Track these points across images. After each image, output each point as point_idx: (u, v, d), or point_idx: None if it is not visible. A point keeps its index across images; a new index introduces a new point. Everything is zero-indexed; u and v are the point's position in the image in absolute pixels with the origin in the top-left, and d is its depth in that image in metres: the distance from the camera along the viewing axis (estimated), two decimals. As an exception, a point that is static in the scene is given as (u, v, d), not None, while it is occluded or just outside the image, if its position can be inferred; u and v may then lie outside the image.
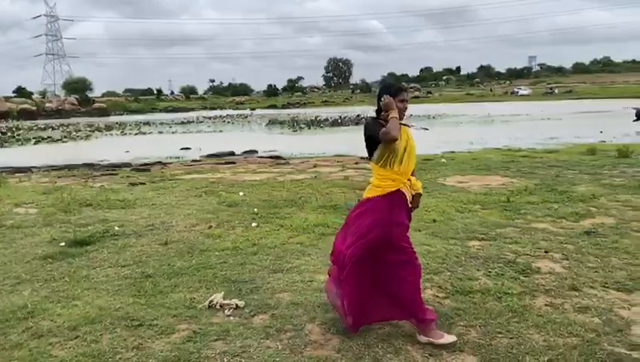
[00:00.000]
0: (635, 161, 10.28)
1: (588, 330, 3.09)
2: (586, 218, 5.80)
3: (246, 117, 46.49)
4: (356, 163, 12.15)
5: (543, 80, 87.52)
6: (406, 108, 3.08)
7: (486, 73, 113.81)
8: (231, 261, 4.59)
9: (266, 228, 5.74)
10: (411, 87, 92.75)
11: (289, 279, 4.09)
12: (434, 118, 34.60)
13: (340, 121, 33.75)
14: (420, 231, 5.51)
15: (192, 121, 42.27)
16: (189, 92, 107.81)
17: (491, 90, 77.02)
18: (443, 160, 12.11)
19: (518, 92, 68.34)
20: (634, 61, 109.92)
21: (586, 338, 2.97)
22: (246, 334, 3.16)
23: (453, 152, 14.65)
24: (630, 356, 2.78)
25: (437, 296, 3.71)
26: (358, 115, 37.47)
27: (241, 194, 7.93)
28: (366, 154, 3.17)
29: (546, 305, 3.49)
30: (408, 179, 3.08)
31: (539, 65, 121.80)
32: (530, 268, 4.20)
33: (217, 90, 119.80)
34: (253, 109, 64.64)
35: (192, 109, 70.66)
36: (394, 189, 3.00)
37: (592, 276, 3.98)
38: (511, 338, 3.03)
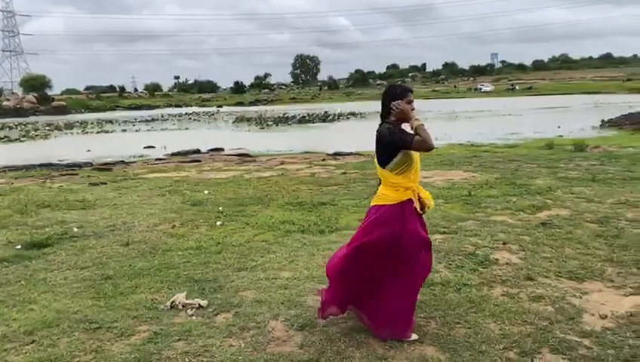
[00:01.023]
0: (589, 155, 10.70)
1: (541, 318, 3.21)
2: (543, 210, 6.00)
3: (212, 114, 45.87)
4: (323, 160, 12.20)
5: (505, 77, 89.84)
6: (413, 108, 2.98)
7: (451, 70, 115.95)
8: (194, 260, 4.54)
9: (231, 227, 5.70)
10: (378, 84, 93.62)
11: (253, 277, 4.09)
12: (400, 114, 35.00)
13: (307, 118, 33.73)
14: (384, 226, 5.58)
15: (157, 119, 41.41)
16: (153, 89, 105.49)
17: (455, 87, 78.61)
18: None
19: (481, 88, 69.97)
20: (590, 58, 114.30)
21: (540, 326, 3.09)
22: (208, 333, 3.14)
23: (418, 148, 14.85)
24: (581, 343, 2.90)
25: (399, 290, 3.77)
26: (325, 112, 37.56)
27: (206, 192, 7.84)
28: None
29: (502, 294, 3.61)
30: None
31: (501, 62, 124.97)
32: (488, 260, 4.32)
33: (183, 87, 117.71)
34: (220, 106, 63.81)
35: (157, 107, 69.19)
36: (406, 199, 2.92)
37: (547, 266, 4.13)
38: (468, 327, 3.12)
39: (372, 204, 3.04)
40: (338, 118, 33.13)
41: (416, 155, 2.96)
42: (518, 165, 9.73)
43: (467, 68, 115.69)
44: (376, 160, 3.03)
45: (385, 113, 3.02)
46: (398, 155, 2.90)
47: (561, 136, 16.19)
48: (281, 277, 4.06)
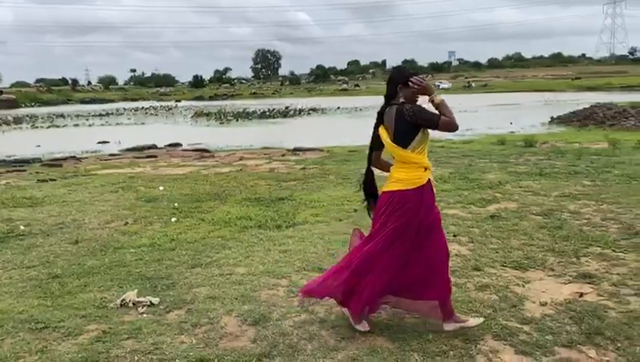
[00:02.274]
0: (538, 150, 11.16)
1: (486, 307, 3.35)
2: (492, 203, 6.23)
3: (170, 108, 44.82)
4: (283, 155, 12.19)
5: (462, 74, 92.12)
6: (418, 96, 2.94)
7: (410, 67, 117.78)
8: (147, 258, 4.46)
9: (186, 223, 5.62)
10: (339, 80, 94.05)
11: (207, 273, 4.06)
12: (361, 110, 35.37)
13: (268, 113, 33.54)
14: (340, 220, 5.66)
15: (112, 113, 40.13)
16: (108, 82, 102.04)
17: (415, 84, 79.76)
18: (367, 151, 12.45)
19: (439, 86, 71.38)
20: (542, 57, 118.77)
21: (484, 314, 3.22)
22: (159, 331, 3.10)
23: (377, 144, 15.06)
24: (522, 329, 3.05)
25: (353, 283, 3.84)
26: (286, 108, 37.44)
27: (161, 188, 7.69)
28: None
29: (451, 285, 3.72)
30: None
31: (458, 60, 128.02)
32: (439, 252, 4.45)
33: (139, 81, 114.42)
34: (179, 101, 62.36)
35: (112, 101, 66.96)
36: (424, 183, 2.89)
37: (493, 256, 4.31)
38: (417, 317, 3.21)
39: (389, 189, 2.93)
40: (299, 114, 33.12)
41: (428, 133, 2.92)
42: (472, 160, 10.03)
43: (426, 65, 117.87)
44: (393, 142, 2.92)
45: (392, 94, 2.97)
46: (418, 134, 2.87)
47: (513, 132, 16.78)
48: (236, 272, 4.05)
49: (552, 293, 3.53)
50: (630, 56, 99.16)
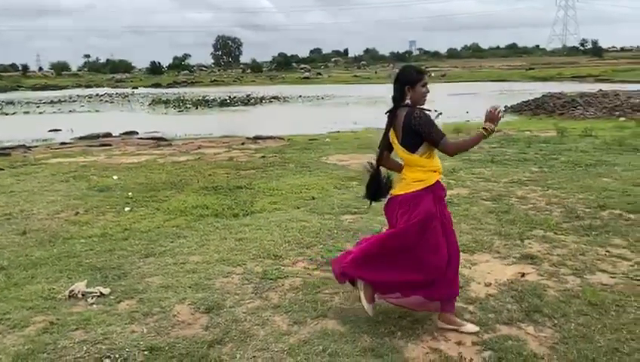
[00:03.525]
0: (491, 138, 11.47)
1: (435, 288, 3.46)
2: (447, 190, 6.40)
3: (126, 96, 43.45)
4: (242, 143, 12.08)
5: (422, 64, 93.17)
6: (428, 91, 2.90)
7: (372, 56, 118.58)
8: (98, 248, 4.37)
9: (140, 213, 5.52)
10: (301, 68, 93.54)
11: (161, 263, 4.01)
12: (323, 98, 35.39)
13: (229, 101, 33.03)
14: (298, 208, 5.69)
15: (64, 100, 38.46)
16: (60, 68, 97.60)
17: (376, 73, 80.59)
18: (327, 139, 12.51)
19: (400, 75, 72.22)
20: (498, 47, 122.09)
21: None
22: (109, 321, 3.06)
23: (338, 132, 15.18)
24: (467, 309, 3.18)
25: (307, 268, 3.90)
26: (248, 95, 37.00)
27: (115, 177, 7.49)
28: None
29: (403, 269, 3.83)
30: None
31: (418, 49, 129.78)
32: (393, 237, 4.56)
33: (94, 67, 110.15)
34: (136, 88, 60.46)
35: (65, 87, 64.11)
36: (434, 182, 2.86)
37: (444, 241, 4.45)
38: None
39: (401, 192, 2.91)
40: (260, 102, 32.77)
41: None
42: (429, 148, 10.25)
43: (387, 54, 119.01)
44: (400, 145, 2.88)
45: (400, 96, 2.88)
46: (425, 143, 2.82)
47: (469, 120, 17.23)
48: (190, 261, 4.03)
49: (496, 274, 3.70)
50: (581, 48, 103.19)
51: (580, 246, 4.21)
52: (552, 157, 8.41)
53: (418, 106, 2.87)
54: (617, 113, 15.96)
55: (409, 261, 2.85)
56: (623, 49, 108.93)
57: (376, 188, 3.10)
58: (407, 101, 2.87)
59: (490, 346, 2.73)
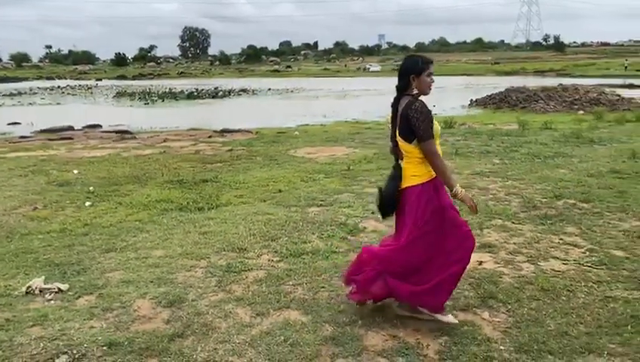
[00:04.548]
0: (456, 131, 11.76)
1: (396, 278, 3.54)
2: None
3: (90, 88, 42.23)
4: (210, 137, 11.94)
5: (391, 57, 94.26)
6: (433, 81, 2.84)
7: (342, 49, 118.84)
8: (57, 243, 4.26)
9: (101, 207, 5.41)
10: (271, 61, 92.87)
11: (122, 257, 3.95)
12: (292, 91, 35.27)
13: (196, 93, 32.52)
14: (264, 201, 5.69)
15: (24, 93, 37.08)
16: (20, 59, 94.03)
17: (346, 66, 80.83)
18: (296, 132, 12.51)
19: (369, 68, 72.75)
20: (465, 42, 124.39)
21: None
22: (67, 317, 3.01)
23: (307, 125, 15.19)
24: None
25: (272, 260, 3.91)
26: (216, 88, 36.51)
27: (75, 172, 7.30)
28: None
29: (366, 259, 3.90)
30: None
31: (387, 43, 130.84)
32: (357, 228, 4.63)
33: (55, 58, 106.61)
34: (99, 80, 58.83)
35: (25, 79, 61.77)
36: (433, 175, 2.79)
37: (407, 231, 4.54)
38: (332, 291, 3.34)
39: (405, 185, 2.83)
40: (229, 95, 32.42)
41: (438, 127, 2.82)
42: (395, 141, 10.39)
43: (357, 48, 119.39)
44: (398, 134, 2.83)
45: (404, 86, 2.81)
46: None
47: (435, 114, 17.34)
48: (152, 256, 3.98)
49: (456, 263, 3.79)
50: (544, 43, 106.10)
51: (535, 234, 4.38)
52: (514, 149, 8.66)
53: (421, 98, 2.82)
54: (576, 107, 16.54)
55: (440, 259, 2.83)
56: (583, 44, 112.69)
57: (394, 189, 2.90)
58: (414, 91, 2.80)
59: (446, 332, 2.82)
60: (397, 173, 2.91)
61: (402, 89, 2.83)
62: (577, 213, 4.92)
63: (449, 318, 2.91)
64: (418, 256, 2.85)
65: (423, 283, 2.84)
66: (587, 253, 3.95)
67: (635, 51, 78.91)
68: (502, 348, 2.67)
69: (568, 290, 3.30)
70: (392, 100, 2.91)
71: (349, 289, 3.08)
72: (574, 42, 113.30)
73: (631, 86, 28.77)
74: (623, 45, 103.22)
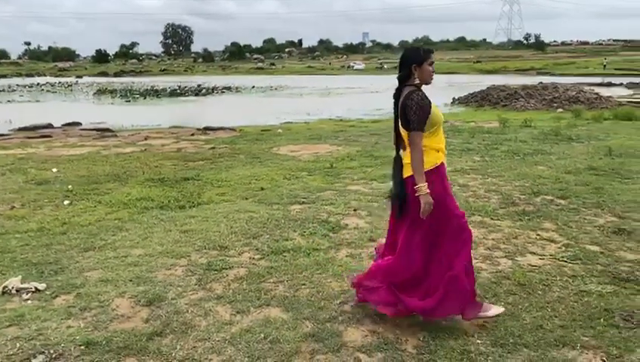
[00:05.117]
0: (439, 129, 11.87)
1: (377, 274, 3.57)
2: (392, 179, 6.56)
3: (70, 85, 41.53)
4: (192, 134, 11.86)
5: (375, 56, 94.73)
6: (434, 70, 2.83)
7: (326, 47, 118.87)
8: (34, 243, 4.20)
9: (80, 206, 5.34)
10: (255, 58, 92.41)
11: (101, 256, 3.91)
12: (276, 89, 35.19)
13: (179, 91, 32.25)
14: (246, 199, 5.68)
15: (2, 90, 36.32)
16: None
17: (330, 64, 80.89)
18: (280, 130, 12.49)
19: (353, 66, 72.96)
20: (448, 40, 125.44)
21: (374, 281, 3.44)
22: (44, 316, 2.97)
23: (290, 123, 15.18)
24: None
25: (253, 258, 3.91)
26: (199, 85, 36.24)
27: (54, 170, 7.19)
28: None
29: (346, 256, 3.93)
30: None
31: (371, 41, 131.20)
32: (339, 226, 4.64)
33: (35, 55, 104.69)
34: (80, 77, 57.92)
35: (4, 76, 60.43)
36: (440, 162, 2.81)
37: (388, 228, 4.57)
38: (313, 287, 3.36)
39: (408, 174, 2.79)
40: (212, 92, 32.22)
41: (440, 115, 2.82)
42: (379, 139, 10.43)
43: (341, 45, 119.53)
44: (400, 125, 2.82)
45: (406, 76, 2.80)
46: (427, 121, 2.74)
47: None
48: (132, 254, 3.94)
49: (435, 259, 3.84)
50: (525, 42, 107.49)
51: (513, 230, 4.45)
52: (494, 147, 8.77)
53: (423, 87, 2.81)
54: (555, 105, 16.82)
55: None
56: (563, 43, 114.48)
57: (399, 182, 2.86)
58: (416, 81, 2.79)
59: (425, 327, 2.85)
60: (397, 165, 2.89)
61: (404, 79, 2.82)
62: (554, 209, 5.01)
63: (493, 311, 2.88)
64: (417, 260, 2.82)
65: (430, 294, 2.81)
66: (563, 248, 4.03)
67: (614, 50, 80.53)
68: (479, 341, 2.71)
69: (544, 285, 3.37)
70: (394, 91, 2.88)
71: (377, 305, 2.96)
72: (555, 41, 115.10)
73: (609, 84, 29.36)
74: (602, 44, 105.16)
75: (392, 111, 2.94)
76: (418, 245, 2.83)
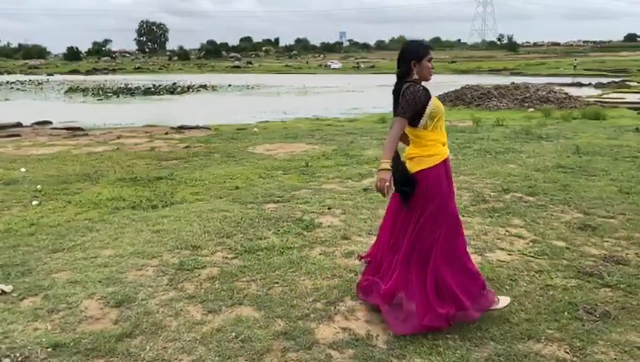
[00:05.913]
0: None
1: (349, 271, 3.60)
2: (367, 177, 6.62)
3: (40, 83, 40.45)
4: (166, 133, 11.70)
5: (352, 55, 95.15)
6: (433, 67, 2.84)
7: (303, 46, 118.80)
8: (1, 244, 4.10)
9: (49, 206, 5.22)
10: (231, 57, 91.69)
11: (70, 257, 3.83)
12: (253, 88, 34.98)
13: (154, 89, 31.75)
14: (221, 198, 5.64)
15: (-32, 88, 35.19)
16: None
17: (307, 63, 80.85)
18: (255, 129, 12.43)
19: (330, 65, 73.06)
20: (423, 40, 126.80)
21: (346, 278, 3.48)
22: (10, 319, 2.90)
23: (267, 122, 15.12)
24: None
25: (226, 257, 3.89)
26: (174, 84, 35.76)
27: (23, 170, 7.01)
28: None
29: (320, 254, 3.95)
30: None
31: (348, 40, 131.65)
32: (313, 224, 4.66)
33: (5, 52, 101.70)
34: (51, 75, 56.47)
35: (-30, 73, 58.64)
36: (445, 157, 2.82)
37: (361, 226, 4.61)
38: (285, 286, 3.37)
39: (415, 170, 2.78)
40: (188, 91, 31.83)
41: (441, 107, 2.81)
42: (354, 138, 10.50)
43: (318, 45, 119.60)
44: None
45: (405, 72, 2.78)
46: (426, 111, 2.74)
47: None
48: (102, 255, 3.88)
49: (407, 256, 3.89)
50: (498, 43, 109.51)
51: (483, 226, 4.54)
52: (467, 145, 8.92)
53: (423, 83, 2.81)
54: (527, 104, 17.18)
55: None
56: (535, 44, 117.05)
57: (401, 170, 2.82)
58: (415, 76, 2.79)
59: (396, 323, 2.89)
60: (398, 162, 2.84)
61: (403, 76, 2.81)
62: (523, 206, 5.13)
63: (501, 303, 2.93)
64: (417, 272, 2.79)
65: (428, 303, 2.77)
66: (530, 243, 4.14)
67: (584, 51, 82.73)
68: (447, 336, 2.76)
69: (511, 279, 3.45)
70: (393, 89, 2.87)
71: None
72: (527, 42, 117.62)
73: (579, 85, 30.14)
74: (572, 45, 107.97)
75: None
76: (419, 258, 2.80)
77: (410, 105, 2.70)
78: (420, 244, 2.79)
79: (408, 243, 2.82)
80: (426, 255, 2.79)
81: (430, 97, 2.78)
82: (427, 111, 2.74)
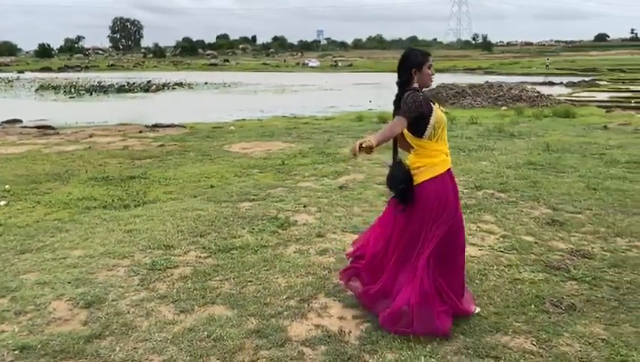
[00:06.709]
0: (389, 126, 12.09)
1: (323, 269, 3.62)
2: (343, 175, 6.65)
3: (10, 81, 39.33)
4: (140, 132, 11.53)
5: (330, 53, 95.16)
6: (433, 73, 2.85)
7: (280, 44, 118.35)
8: (-35, 246, 3.98)
9: (17, 206, 5.10)
10: (208, 54, 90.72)
11: (38, 258, 3.76)
12: (230, 86, 34.70)
13: (127, 87, 31.20)
14: (195, 197, 5.60)
15: None
16: None
17: (285, 61, 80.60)
18: (232, 127, 12.35)
19: (308, 64, 72.93)
20: (400, 40, 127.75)
21: (320, 275, 3.49)
22: (-26, 323, 2.83)
23: (243, 120, 15.03)
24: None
25: (199, 257, 3.87)
26: (149, 82, 35.19)
27: (-11, 170, 6.82)
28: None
29: (294, 252, 3.95)
30: None
31: (326, 39, 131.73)
32: (288, 222, 4.66)
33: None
34: (21, 72, 54.93)
35: None
36: (449, 166, 2.82)
37: (336, 223, 4.64)
38: (259, 284, 3.36)
39: (418, 181, 2.78)
40: (163, 88, 31.38)
41: (444, 117, 2.83)
42: (331, 136, 10.52)
43: (296, 43, 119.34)
44: (407, 131, 2.79)
45: (405, 80, 2.79)
46: (430, 121, 2.74)
47: (372, 109, 17.92)
48: (71, 256, 3.81)
49: (381, 253, 3.93)
50: (473, 42, 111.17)
51: (455, 223, 4.61)
52: (441, 143, 9.03)
53: (424, 89, 2.83)
54: (500, 103, 17.50)
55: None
56: (509, 44, 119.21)
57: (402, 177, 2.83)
58: (415, 85, 2.80)
59: (368, 319, 2.92)
60: (398, 170, 2.86)
61: (404, 84, 2.82)
62: (494, 202, 5.24)
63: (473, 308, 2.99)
64: (428, 283, 2.78)
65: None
66: (501, 238, 4.23)
67: (556, 51, 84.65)
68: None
69: (481, 274, 3.52)
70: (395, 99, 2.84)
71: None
72: (501, 42, 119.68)
73: (550, 83, 30.83)
74: (544, 45, 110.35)
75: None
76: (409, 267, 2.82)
77: (411, 108, 2.71)
78: (432, 255, 2.80)
79: (424, 258, 2.78)
80: (436, 265, 2.82)
81: (432, 108, 2.80)
82: (432, 121, 2.76)
